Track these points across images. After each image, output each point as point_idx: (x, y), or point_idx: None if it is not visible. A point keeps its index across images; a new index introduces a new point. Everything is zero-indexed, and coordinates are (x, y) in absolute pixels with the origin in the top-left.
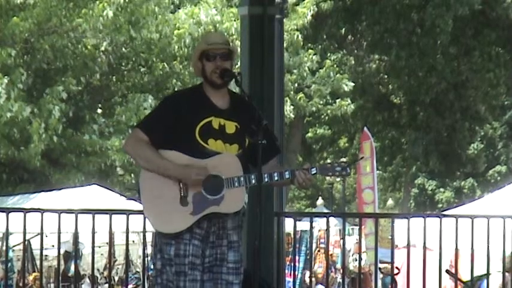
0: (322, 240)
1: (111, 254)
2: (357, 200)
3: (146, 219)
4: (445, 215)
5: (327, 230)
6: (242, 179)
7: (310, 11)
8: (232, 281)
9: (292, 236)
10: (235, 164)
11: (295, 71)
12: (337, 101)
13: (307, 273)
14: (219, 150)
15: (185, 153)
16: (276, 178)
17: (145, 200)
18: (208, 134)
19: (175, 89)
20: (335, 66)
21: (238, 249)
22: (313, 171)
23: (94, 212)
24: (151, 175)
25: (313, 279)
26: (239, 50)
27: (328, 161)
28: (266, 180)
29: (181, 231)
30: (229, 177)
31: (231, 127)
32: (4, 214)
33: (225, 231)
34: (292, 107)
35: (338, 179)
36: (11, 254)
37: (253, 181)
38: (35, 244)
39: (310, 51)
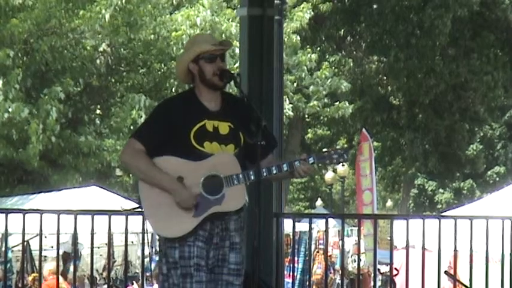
0: (321, 241)
1: (110, 255)
2: (357, 201)
3: (146, 221)
4: (443, 216)
5: (326, 231)
6: (241, 176)
7: (308, 14)
8: (233, 281)
9: (291, 237)
10: (232, 162)
11: (293, 70)
12: (336, 103)
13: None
14: (216, 152)
15: (182, 157)
16: (274, 171)
17: (147, 208)
18: (203, 138)
19: (174, 90)
20: (333, 68)
21: (240, 251)
22: (311, 160)
23: (93, 212)
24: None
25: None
26: (238, 51)
27: (325, 149)
28: (265, 174)
29: (186, 234)
30: (227, 176)
31: (224, 128)
32: (3, 215)
33: (228, 232)
34: (291, 105)
35: (338, 181)
36: (10, 254)
37: (252, 177)
38: (34, 245)
39: (308, 49)
